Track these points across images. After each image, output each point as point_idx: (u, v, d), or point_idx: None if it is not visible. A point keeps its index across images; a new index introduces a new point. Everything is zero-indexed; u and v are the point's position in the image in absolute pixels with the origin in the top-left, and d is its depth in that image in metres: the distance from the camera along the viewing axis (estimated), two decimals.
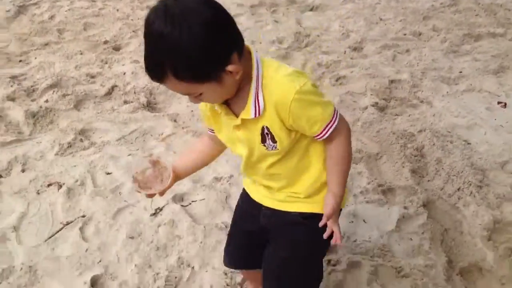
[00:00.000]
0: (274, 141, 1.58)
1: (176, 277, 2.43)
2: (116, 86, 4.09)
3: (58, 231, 2.70)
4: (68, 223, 2.75)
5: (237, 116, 1.57)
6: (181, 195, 2.95)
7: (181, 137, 3.46)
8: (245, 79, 1.50)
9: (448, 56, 4.75)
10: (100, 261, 2.52)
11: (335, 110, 1.56)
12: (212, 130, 1.75)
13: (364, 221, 2.78)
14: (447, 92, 4.13)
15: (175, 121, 3.68)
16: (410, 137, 3.44)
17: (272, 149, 1.60)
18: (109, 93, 4.02)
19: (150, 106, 3.93)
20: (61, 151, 3.30)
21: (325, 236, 1.68)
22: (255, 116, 1.51)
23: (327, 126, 1.55)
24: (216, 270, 2.46)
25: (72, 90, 3.93)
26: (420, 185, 3.06)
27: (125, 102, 3.91)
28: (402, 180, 3.09)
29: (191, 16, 1.33)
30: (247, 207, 1.91)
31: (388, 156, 3.30)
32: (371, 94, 4.01)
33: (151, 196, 1.79)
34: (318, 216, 1.68)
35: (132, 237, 2.67)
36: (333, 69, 4.46)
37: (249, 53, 1.51)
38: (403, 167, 3.19)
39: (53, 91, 3.87)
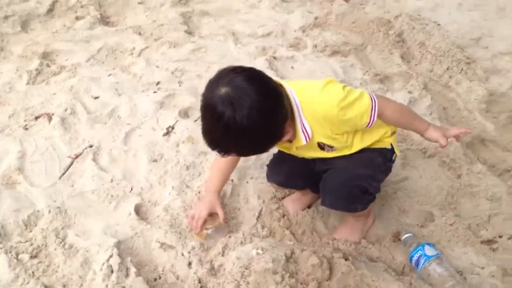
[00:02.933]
0: (331, 147, 1.83)
1: None
2: (56, 1, 3.64)
3: (69, 166, 2.45)
4: (77, 156, 2.50)
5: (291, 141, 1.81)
6: (185, 110, 2.78)
7: (158, 49, 3.21)
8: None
9: None
10: (131, 189, 2.35)
11: (369, 95, 1.75)
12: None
13: None
14: None
15: (140, 34, 3.39)
16: (388, 24, 3.45)
17: (331, 151, 1.86)
18: (51, 9, 3.58)
19: (105, 20, 3.57)
20: (32, 80, 2.94)
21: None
22: (306, 142, 1.75)
23: (371, 113, 1.74)
24: (257, 180, 2.39)
25: (11, 10, 3.45)
26: (411, 70, 3.12)
27: (77, 18, 3.52)
28: (395, 67, 3.12)
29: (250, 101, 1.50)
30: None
31: (373, 46, 3.31)
32: None
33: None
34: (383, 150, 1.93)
35: (155, 160, 2.50)
36: None
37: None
38: (391, 53, 3.22)
39: None
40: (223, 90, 1.50)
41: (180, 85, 2.94)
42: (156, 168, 2.45)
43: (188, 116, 2.76)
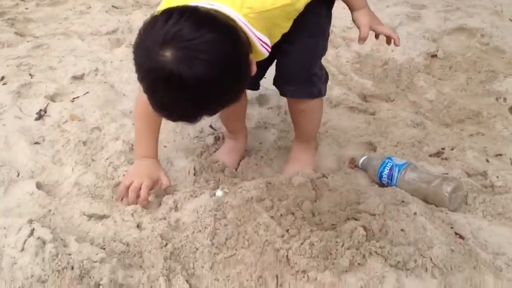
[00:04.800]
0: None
1: None
2: None
3: None
4: None
5: None
6: (51, 96, 2.31)
7: None
8: None
9: None
10: (18, 174, 1.82)
11: None
12: None
13: None
14: None
15: None
16: None
17: None
18: None
19: None
20: None
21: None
22: (269, 52, 1.45)
23: None
24: (175, 143, 2.05)
25: None
26: None
27: None
28: None
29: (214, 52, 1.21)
30: None
31: None
32: None
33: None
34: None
35: (37, 143, 2.00)
36: None
37: None
38: None
39: None
40: (172, 52, 1.18)
41: (32, 77, 2.44)
42: (43, 150, 1.96)
43: (62, 100, 2.28)
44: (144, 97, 1.59)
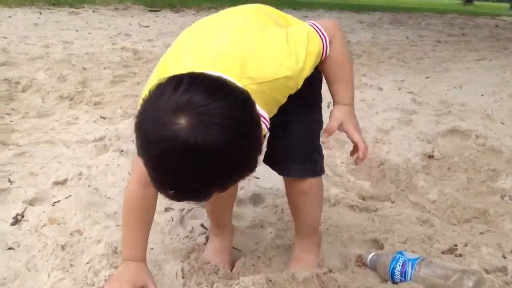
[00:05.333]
0: None
1: None
2: None
3: None
4: None
5: None
6: (29, 201, 2.15)
7: None
8: None
9: None
10: None
11: (315, 32, 1.48)
12: None
13: None
14: None
15: None
16: None
17: None
18: None
19: None
20: None
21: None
22: (268, 128, 1.38)
23: (323, 51, 1.49)
24: (163, 243, 1.87)
25: None
26: None
27: None
28: None
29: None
30: None
31: None
32: None
33: None
34: None
35: (11, 248, 1.81)
36: None
37: None
38: None
39: None
40: (186, 119, 1.06)
41: (11, 184, 2.30)
42: (17, 255, 1.77)
43: (41, 205, 2.13)
44: (135, 189, 1.46)
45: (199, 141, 1.05)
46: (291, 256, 1.77)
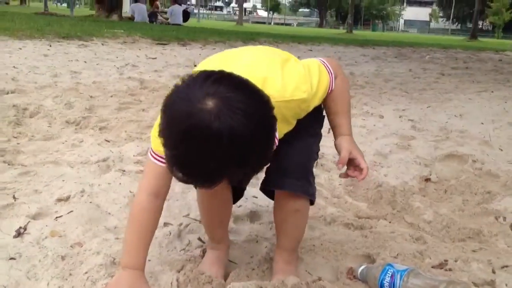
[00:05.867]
0: None
1: None
2: None
3: None
4: None
5: None
6: (32, 216, 2.21)
7: None
8: None
9: None
10: None
11: (323, 66, 1.68)
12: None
13: None
14: None
15: None
16: None
17: None
18: None
19: None
20: None
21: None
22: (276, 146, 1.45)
23: (329, 85, 1.69)
24: (162, 254, 1.92)
25: None
26: None
27: None
28: None
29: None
30: None
31: None
32: None
33: None
34: None
35: (13, 258, 1.86)
36: None
37: None
38: None
39: None
40: (214, 101, 1.17)
41: (15, 200, 2.36)
42: (18, 265, 1.82)
43: (43, 219, 2.19)
44: (144, 200, 1.53)
45: (223, 122, 1.15)
46: (273, 270, 1.80)
